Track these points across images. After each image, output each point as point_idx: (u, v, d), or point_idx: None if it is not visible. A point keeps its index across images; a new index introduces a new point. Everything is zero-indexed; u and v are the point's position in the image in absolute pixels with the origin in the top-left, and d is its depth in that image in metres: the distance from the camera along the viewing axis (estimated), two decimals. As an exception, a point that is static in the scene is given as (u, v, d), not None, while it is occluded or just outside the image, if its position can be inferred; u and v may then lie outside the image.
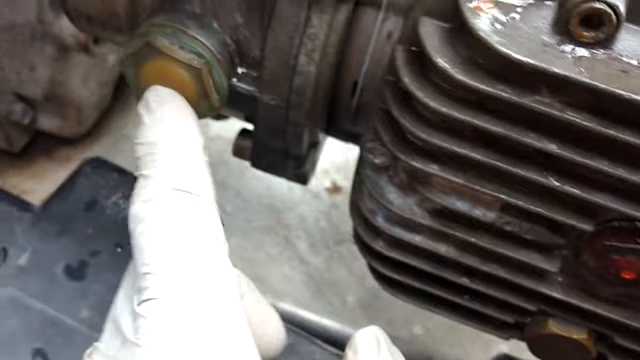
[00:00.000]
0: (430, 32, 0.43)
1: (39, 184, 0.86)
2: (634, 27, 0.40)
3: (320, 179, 0.95)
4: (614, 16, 0.38)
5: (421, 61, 0.44)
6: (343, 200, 0.94)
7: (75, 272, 0.61)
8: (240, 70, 0.54)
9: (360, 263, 0.65)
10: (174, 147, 0.46)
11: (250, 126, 0.62)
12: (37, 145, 0.89)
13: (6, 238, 0.61)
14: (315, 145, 0.62)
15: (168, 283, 0.39)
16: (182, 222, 0.43)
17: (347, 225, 0.61)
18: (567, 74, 0.39)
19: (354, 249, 0.60)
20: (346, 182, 0.96)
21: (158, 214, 0.43)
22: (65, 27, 0.75)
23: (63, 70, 0.79)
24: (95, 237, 0.63)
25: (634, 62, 0.40)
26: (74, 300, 0.59)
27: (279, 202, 0.92)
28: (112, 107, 0.94)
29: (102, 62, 0.85)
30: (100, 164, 0.68)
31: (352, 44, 0.52)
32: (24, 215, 0.63)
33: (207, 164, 0.47)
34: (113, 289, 0.58)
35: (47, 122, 0.85)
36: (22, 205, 0.64)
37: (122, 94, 0.95)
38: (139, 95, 0.53)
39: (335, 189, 0.95)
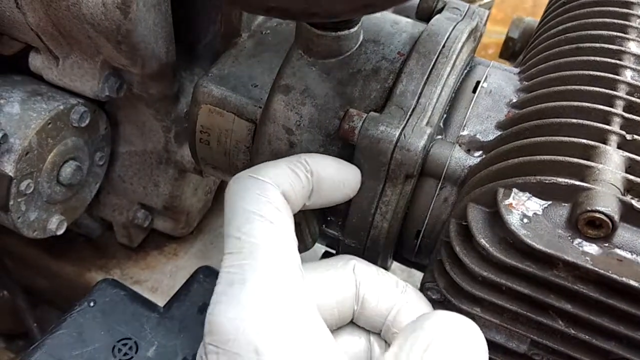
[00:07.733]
0: (476, 216, 0.57)
1: (150, 274, 0.99)
2: (628, 225, 0.53)
3: (385, 277, 1.05)
4: (610, 222, 0.50)
5: (468, 234, 0.57)
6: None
7: (190, 364, 0.71)
8: (329, 218, 0.68)
9: None
10: None
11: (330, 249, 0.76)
12: (151, 241, 1.02)
13: (138, 334, 0.72)
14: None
15: None
16: None
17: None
18: (576, 261, 0.51)
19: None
20: (409, 280, 1.07)
21: None
22: (186, 155, 0.88)
23: (180, 187, 0.92)
24: (206, 336, 0.76)
25: (627, 254, 0.51)
26: (189, 387, 0.70)
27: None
28: (212, 208, 1.07)
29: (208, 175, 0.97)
30: (210, 272, 0.79)
31: (416, 204, 0.65)
32: (151, 315, 0.74)
33: None
34: (219, 379, 0.72)
35: (162, 224, 0.98)
36: (150, 306, 0.75)
37: (220, 197, 1.08)
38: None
39: (398, 287, 1.05)
